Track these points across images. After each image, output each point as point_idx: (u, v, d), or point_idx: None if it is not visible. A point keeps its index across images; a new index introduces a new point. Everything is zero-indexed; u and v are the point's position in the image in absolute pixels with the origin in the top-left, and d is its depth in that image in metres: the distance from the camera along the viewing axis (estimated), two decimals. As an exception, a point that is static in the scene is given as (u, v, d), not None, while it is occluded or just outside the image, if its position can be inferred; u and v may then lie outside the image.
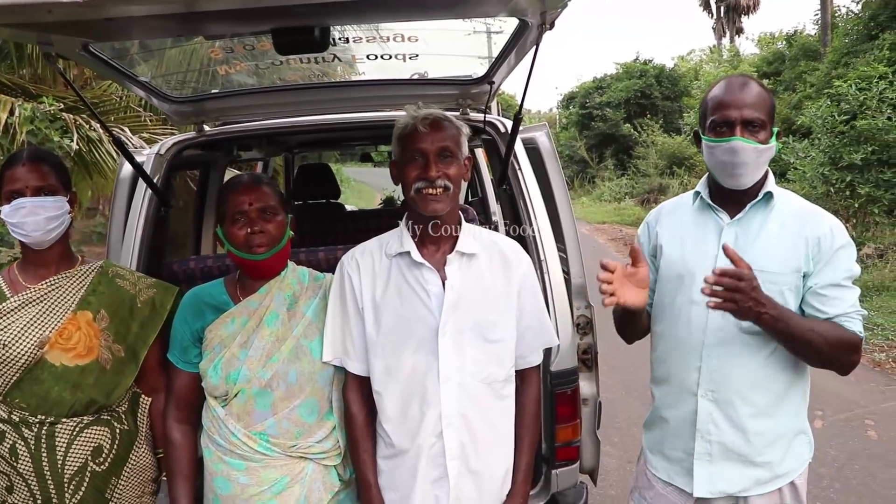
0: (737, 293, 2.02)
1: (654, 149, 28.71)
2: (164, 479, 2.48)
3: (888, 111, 12.90)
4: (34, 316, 2.24)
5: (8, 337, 2.19)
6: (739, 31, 47.67)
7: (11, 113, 6.51)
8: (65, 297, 2.31)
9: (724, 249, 2.09)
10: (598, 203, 29.95)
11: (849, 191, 13.12)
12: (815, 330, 2.15)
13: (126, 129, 7.15)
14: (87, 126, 6.92)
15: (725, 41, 46.73)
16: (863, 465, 5.35)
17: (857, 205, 13.01)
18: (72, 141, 6.63)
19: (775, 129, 2.25)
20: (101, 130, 6.81)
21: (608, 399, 6.49)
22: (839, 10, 24.22)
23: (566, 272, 3.15)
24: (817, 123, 14.23)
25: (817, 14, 25.65)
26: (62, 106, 7.01)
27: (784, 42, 30.78)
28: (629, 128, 31.59)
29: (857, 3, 20.83)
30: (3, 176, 2.25)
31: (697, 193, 2.42)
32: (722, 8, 47.42)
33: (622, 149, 32.95)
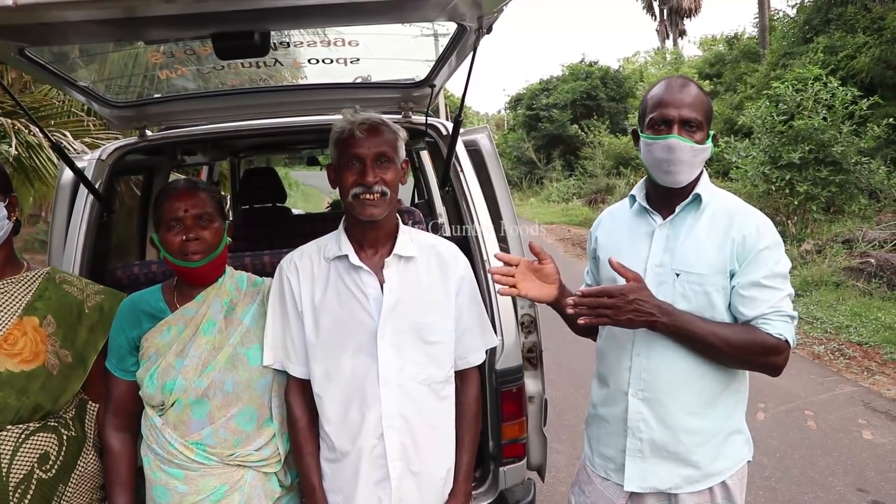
0: (607, 309, 2.10)
1: (601, 149, 29.02)
2: None
3: (823, 111, 13.31)
4: None
5: None
6: (682, 33, 48.57)
7: (-55, 118, 6.34)
8: (10, 303, 2.27)
9: (609, 262, 2.18)
10: (546, 204, 30.17)
11: (788, 189, 13.48)
12: (716, 333, 2.17)
13: (67, 135, 7.00)
14: (27, 131, 6.77)
15: (669, 43, 47.60)
16: (802, 455, 5.52)
17: (796, 202, 13.35)
18: (10, 146, 6.49)
19: (711, 132, 2.29)
20: (41, 135, 6.67)
21: (557, 397, 6.60)
22: (777, 13, 24.87)
23: (509, 272, 3.18)
24: (757, 123, 14.61)
25: (757, 17, 26.25)
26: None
27: (725, 44, 31.45)
28: (576, 129, 31.92)
29: (793, 7, 21.42)
30: None
31: (633, 198, 2.46)
32: (665, 10, 48.23)
33: (569, 149, 33.27)
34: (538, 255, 2.31)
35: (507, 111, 44.44)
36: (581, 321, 2.14)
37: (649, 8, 49.02)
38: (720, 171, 16.93)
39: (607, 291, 2.11)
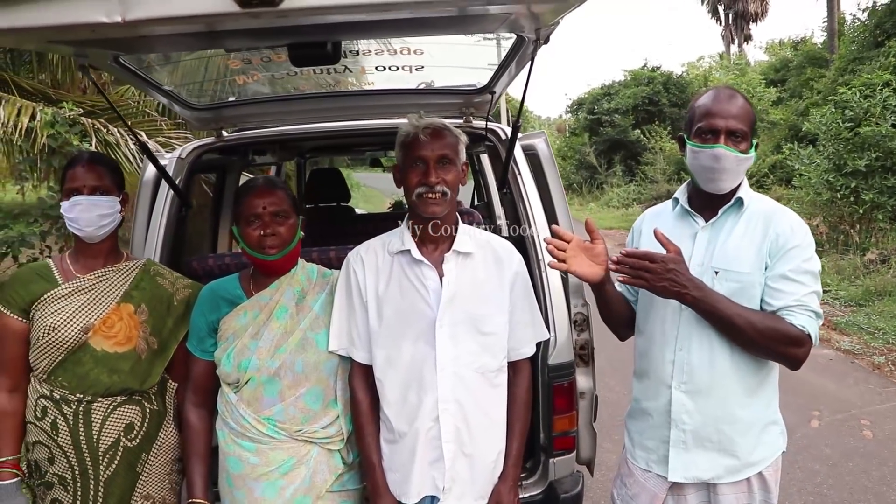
0: (645, 272, 2.22)
1: (662, 155, 28.66)
2: None
3: (892, 118, 12.99)
4: (82, 304, 2.46)
5: (58, 321, 2.40)
6: (748, 38, 47.63)
7: (33, 118, 6.66)
8: (111, 289, 2.53)
9: (654, 233, 2.29)
10: (606, 209, 29.89)
11: (853, 197, 13.20)
12: (742, 315, 2.26)
13: (143, 134, 7.29)
14: (105, 130, 7.08)
15: (734, 48, 46.75)
16: (856, 464, 5.48)
17: (861, 211, 13.08)
18: (90, 145, 6.80)
19: (755, 141, 2.40)
20: (118, 134, 7.00)
21: (611, 398, 6.62)
22: (846, 17, 24.26)
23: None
24: (822, 130, 14.32)
25: (825, 21, 25.69)
26: (81, 111, 7.18)
27: (791, 49, 30.78)
28: (637, 134, 31.57)
29: (864, 10, 20.85)
30: (65, 175, 2.49)
31: (676, 200, 2.57)
32: (730, 15, 47.42)
33: (630, 155, 32.88)
34: (591, 234, 2.42)
35: (569, 115, 44.08)
36: (620, 279, 2.25)
37: (714, 12, 48.27)
38: (783, 178, 16.61)
39: (650, 256, 2.22)
